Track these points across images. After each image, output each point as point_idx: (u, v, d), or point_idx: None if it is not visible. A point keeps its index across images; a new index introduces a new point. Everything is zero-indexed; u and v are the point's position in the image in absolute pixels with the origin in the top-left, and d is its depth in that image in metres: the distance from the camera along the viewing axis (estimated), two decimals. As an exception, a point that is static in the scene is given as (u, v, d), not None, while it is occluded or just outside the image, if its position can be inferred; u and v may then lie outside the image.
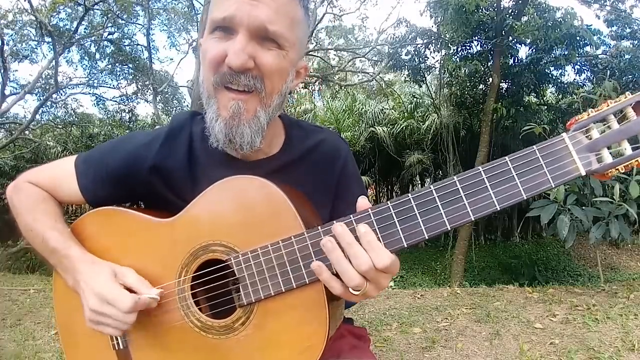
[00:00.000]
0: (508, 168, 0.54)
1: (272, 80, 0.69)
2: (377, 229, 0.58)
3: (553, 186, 0.53)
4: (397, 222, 0.57)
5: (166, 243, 0.71)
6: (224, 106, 0.69)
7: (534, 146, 0.54)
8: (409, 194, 0.58)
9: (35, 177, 0.83)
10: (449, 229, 0.56)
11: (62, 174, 0.82)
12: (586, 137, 0.54)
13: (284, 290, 0.63)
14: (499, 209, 0.55)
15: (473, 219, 0.55)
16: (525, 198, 0.54)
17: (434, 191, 0.57)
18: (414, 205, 0.57)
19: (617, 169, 0.53)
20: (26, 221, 0.79)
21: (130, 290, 0.69)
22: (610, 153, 0.53)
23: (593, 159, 0.53)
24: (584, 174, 0.53)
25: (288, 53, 0.70)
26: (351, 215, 0.59)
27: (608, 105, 0.54)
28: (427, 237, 0.57)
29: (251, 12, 0.65)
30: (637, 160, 0.52)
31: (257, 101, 0.69)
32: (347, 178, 0.84)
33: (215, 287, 0.69)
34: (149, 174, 0.78)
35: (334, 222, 0.60)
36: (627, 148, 0.53)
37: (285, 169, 0.78)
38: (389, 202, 0.58)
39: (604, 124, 0.54)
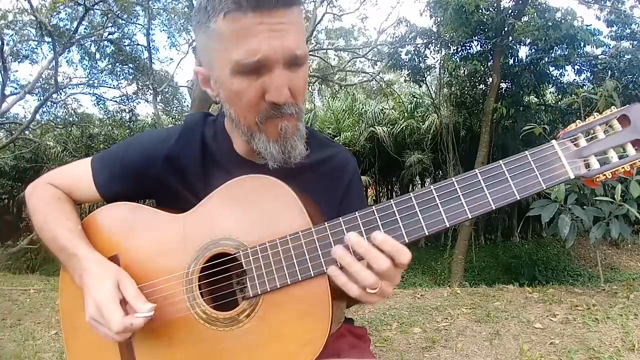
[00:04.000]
0: (502, 171, 0.59)
1: (302, 98, 0.72)
2: (380, 225, 0.61)
3: (544, 188, 0.58)
4: (399, 218, 0.61)
5: (177, 237, 0.73)
6: (272, 131, 0.71)
7: (526, 152, 0.59)
8: (411, 193, 0.61)
9: (54, 178, 0.86)
10: (448, 226, 0.60)
11: (79, 173, 0.84)
12: (574, 144, 0.59)
13: (289, 283, 0.65)
14: (494, 208, 0.59)
15: (470, 217, 0.59)
16: (518, 198, 0.58)
17: (433, 191, 0.60)
18: (415, 204, 0.61)
19: (605, 175, 0.57)
20: (39, 220, 0.81)
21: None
22: (597, 160, 0.58)
23: (581, 164, 0.58)
24: (572, 177, 0.58)
25: (306, 64, 0.72)
26: (356, 212, 0.63)
27: (595, 118, 0.59)
28: (427, 234, 0.61)
29: (282, 46, 0.64)
30: (623, 168, 0.56)
31: (296, 119, 0.72)
32: (351, 194, 0.86)
33: (222, 279, 0.70)
34: (163, 171, 0.80)
35: (340, 218, 0.63)
36: (613, 156, 0.58)
37: (294, 174, 0.79)
38: (391, 200, 0.62)
39: (592, 134, 0.59)
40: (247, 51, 0.64)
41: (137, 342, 0.74)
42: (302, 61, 0.68)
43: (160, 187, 0.81)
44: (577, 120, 0.60)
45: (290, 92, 0.68)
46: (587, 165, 0.58)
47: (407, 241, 0.60)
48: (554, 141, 0.59)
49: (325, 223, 0.64)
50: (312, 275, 0.64)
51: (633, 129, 0.57)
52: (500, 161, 0.59)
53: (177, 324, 0.71)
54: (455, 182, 0.60)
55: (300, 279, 0.64)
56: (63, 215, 0.80)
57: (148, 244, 0.75)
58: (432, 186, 0.60)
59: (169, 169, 0.80)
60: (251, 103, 0.68)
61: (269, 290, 0.66)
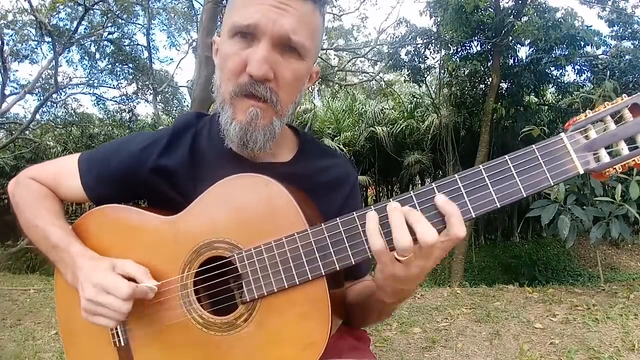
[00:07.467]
0: (508, 167, 0.56)
1: (287, 92, 0.71)
2: (379, 226, 0.59)
3: (552, 184, 0.55)
4: None
5: (169, 240, 0.71)
6: (242, 111, 0.70)
7: (533, 145, 0.56)
8: (411, 192, 0.58)
9: (38, 174, 0.84)
10: None
11: (65, 171, 0.82)
12: (584, 137, 0.55)
13: (286, 287, 0.63)
14: (499, 206, 0.56)
15: (474, 216, 0.56)
16: (525, 196, 0.55)
17: (435, 189, 0.58)
18: (416, 204, 0.58)
19: (615, 169, 0.54)
20: (28, 217, 0.80)
21: (129, 279, 0.69)
22: (607, 153, 0.55)
23: (591, 158, 0.55)
24: (582, 172, 0.54)
25: (307, 63, 0.71)
26: (354, 213, 0.61)
27: (605, 107, 0.56)
28: None
29: (276, 21, 0.65)
30: (634, 160, 0.53)
31: (273, 112, 0.71)
32: (348, 208, 0.84)
33: (218, 284, 0.69)
34: (152, 175, 0.78)
35: (337, 219, 0.61)
36: (624, 148, 0.54)
37: (292, 179, 0.77)
38: (391, 199, 0.59)
39: (602, 125, 0.56)
40: (243, 15, 0.67)
41: (136, 347, 0.73)
42: (296, 49, 0.68)
43: (150, 190, 0.80)
44: (587, 110, 0.56)
45: (274, 76, 0.68)
46: (597, 159, 0.55)
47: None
48: (562, 134, 0.56)
49: (322, 224, 0.62)
50: (310, 278, 0.62)
51: None
52: (506, 156, 0.56)
53: (175, 330, 0.71)
54: (458, 180, 0.57)
55: (297, 283, 0.63)
56: (52, 214, 0.79)
57: (140, 248, 0.74)
58: (433, 184, 0.57)
59: (157, 174, 0.78)
60: (233, 70, 0.69)
61: (265, 294, 0.64)
